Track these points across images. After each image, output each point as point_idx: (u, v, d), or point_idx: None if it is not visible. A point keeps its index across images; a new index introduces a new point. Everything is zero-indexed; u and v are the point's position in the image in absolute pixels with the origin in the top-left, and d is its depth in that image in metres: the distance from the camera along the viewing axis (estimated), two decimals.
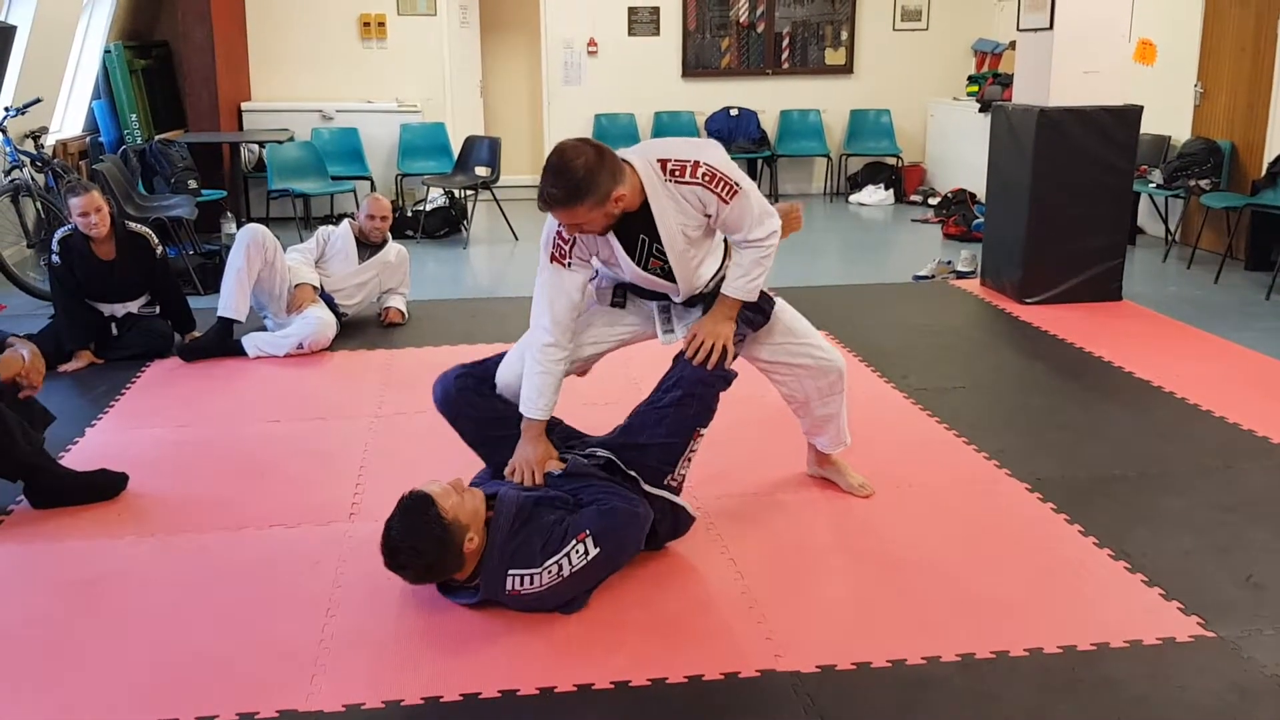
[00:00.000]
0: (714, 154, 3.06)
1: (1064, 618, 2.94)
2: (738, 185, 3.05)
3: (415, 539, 2.79)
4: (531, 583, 2.85)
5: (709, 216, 3.09)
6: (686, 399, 3.15)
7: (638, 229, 3.07)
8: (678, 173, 3.01)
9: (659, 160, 3.02)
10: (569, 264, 3.13)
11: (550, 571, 2.85)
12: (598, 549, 2.88)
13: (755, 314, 3.29)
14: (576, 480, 3.11)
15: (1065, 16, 6.08)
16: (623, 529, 2.96)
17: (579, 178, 2.85)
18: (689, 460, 3.23)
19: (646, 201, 3.02)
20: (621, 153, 3.02)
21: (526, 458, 3.20)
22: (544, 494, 3.02)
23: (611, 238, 3.09)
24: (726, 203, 3.05)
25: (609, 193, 2.90)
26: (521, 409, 3.22)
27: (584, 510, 2.96)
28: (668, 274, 3.17)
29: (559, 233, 3.10)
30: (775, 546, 3.38)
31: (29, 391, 3.64)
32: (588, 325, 3.35)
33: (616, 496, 3.00)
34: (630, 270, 3.16)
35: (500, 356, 3.43)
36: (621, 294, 3.37)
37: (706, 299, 3.28)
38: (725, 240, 3.33)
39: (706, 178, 3.01)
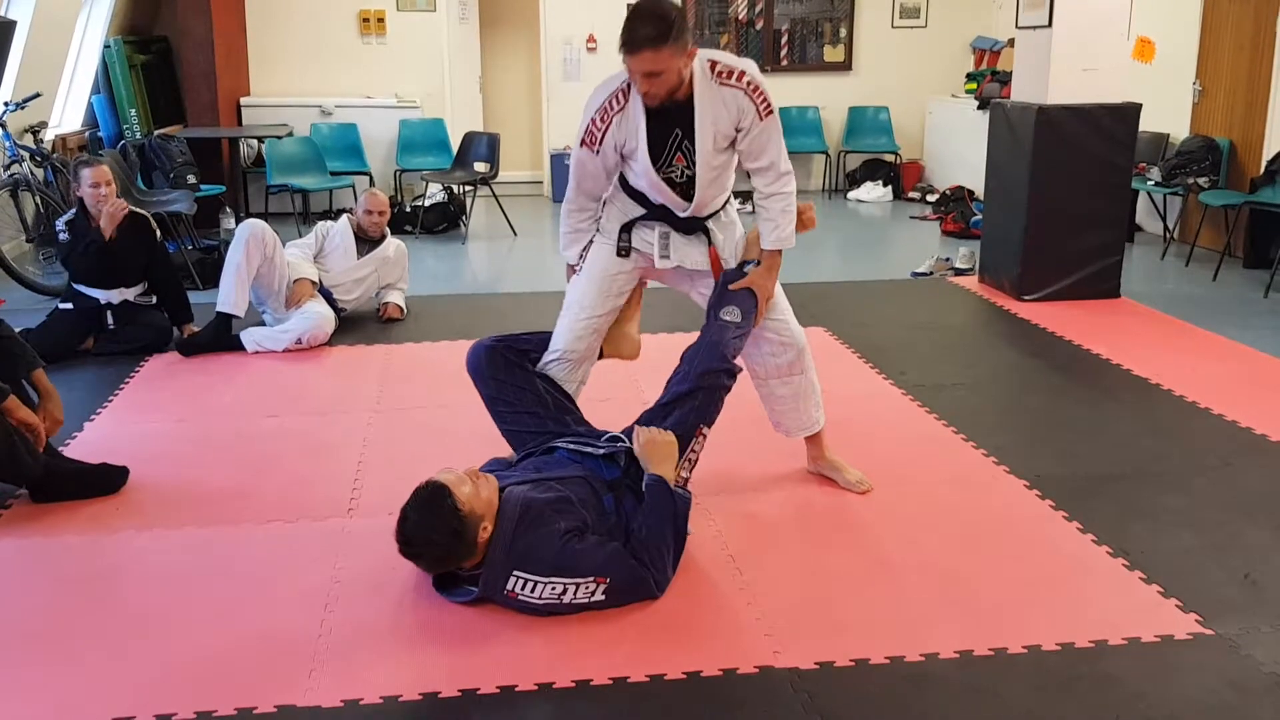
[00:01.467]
0: (756, 70, 3.24)
1: (1062, 615, 2.95)
2: (773, 106, 3.24)
3: (431, 530, 2.81)
4: (532, 590, 2.84)
5: (738, 131, 3.24)
6: (694, 392, 3.23)
7: (673, 122, 3.21)
8: (724, 75, 3.19)
9: (709, 60, 3.18)
10: (598, 150, 3.28)
11: (553, 588, 2.84)
12: (604, 598, 2.89)
13: (752, 304, 3.39)
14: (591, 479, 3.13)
15: (1064, 14, 6.09)
16: (636, 593, 2.95)
17: (671, 19, 3.02)
18: (691, 461, 3.25)
19: (690, 97, 3.17)
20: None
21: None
22: (554, 497, 3.00)
23: (641, 127, 3.21)
24: (761, 119, 3.23)
25: (688, 42, 3.06)
26: (562, 253, 3.60)
27: (612, 550, 2.93)
28: (683, 183, 3.29)
29: (593, 119, 3.25)
30: (774, 543, 3.39)
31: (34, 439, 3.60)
32: (587, 308, 3.50)
33: (647, 553, 2.99)
34: (645, 168, 3.25)
35: (536, 334, 3.56)
36: (626, 238, 3.47)
37: (704, 220, 3.45)
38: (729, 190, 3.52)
39: (751, 87, 3.21)
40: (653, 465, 3.10)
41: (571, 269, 3.59)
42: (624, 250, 3.49)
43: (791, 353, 3.60)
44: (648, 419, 3.28)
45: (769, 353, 3.61)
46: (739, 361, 3.37)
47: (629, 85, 3.21)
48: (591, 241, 3.54)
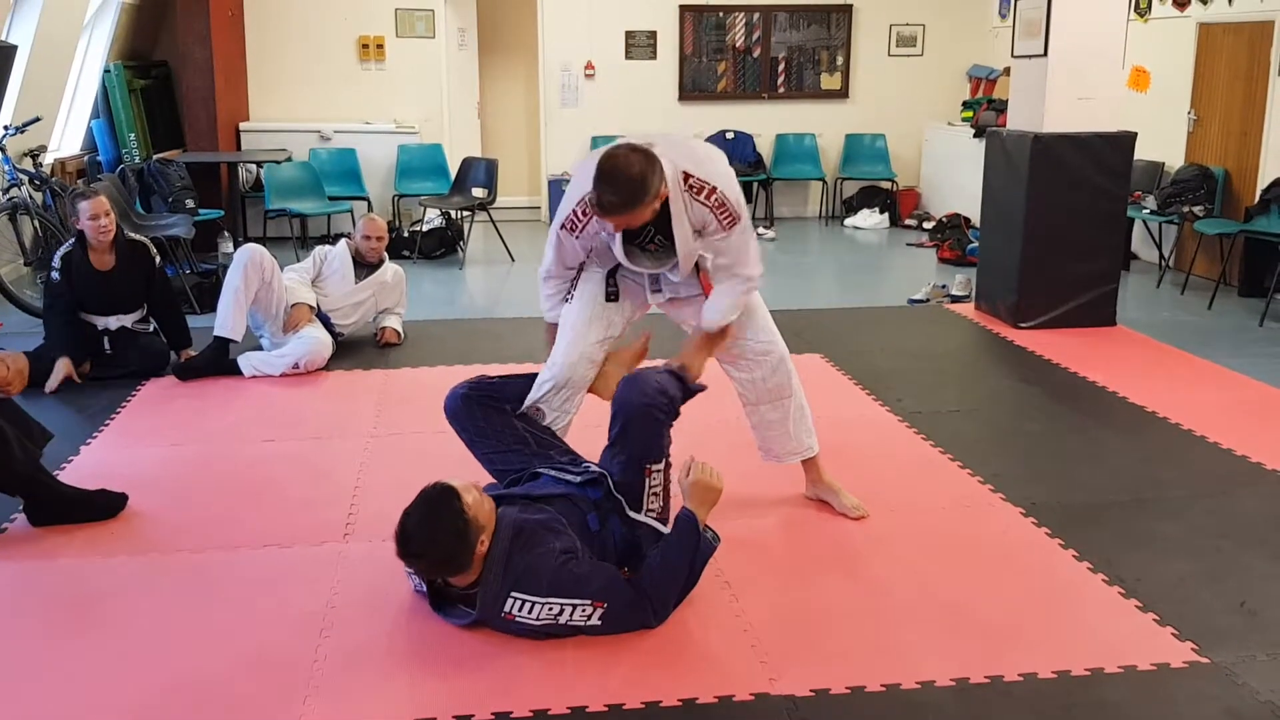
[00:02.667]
0: (730, 184, 3.28)
1: (1059, 643, 2.94)
2: (739, 218, 3.29)
3: (434, 529, 2.81)
4: (530, 611, 2.84)
5: (706, 230, 3.30)
6: (625, 429, 3.19)
7: (648, 225, 3.25)
8: (695, 190, 3.23)
9: (683, 172, 3.21)
10: (578, 235, 3.36)
11: (550, 610, 2.84)
12: (601, 622, 2.88)
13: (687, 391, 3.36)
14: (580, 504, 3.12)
15: (1059, 43, 6.13)
16: (632, 620, 2.94)
17: (635, 185, 3.06)
18: (657, 495, 3.22)
19: (665, 204, 3.21)
20: (653, 148, 3.15)
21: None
22: (546, 518, 3.00)
23: (618, 241, 3.29)
24: (724, 230, 3.29)
25: (657, 191, 3.11)
26: (545, 315, 3.65)
27: (611, 575, 2.93)
28: (659, 255, 3.35)
29: (575, 211, 3.30)
30: (770, 569, 3.38)
31: (6, 390, 3.63)
32: (583, 335, 3.49)
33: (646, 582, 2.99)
34: (620, 251, 3.32)
35: (510, 377, 3.55)
36: (614, 284, 3.51)
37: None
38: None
39: (717, 204, 3.26)
40: (691, 502, 3.07)
41: (551, 329, 3.62)
42: (612, 295, 3.51)
43: (781, 373, 3.64)
44: (601, 462, 3.26)
45: (761, 377, 3.63)
46: (666, 393, 3.23)
47: None
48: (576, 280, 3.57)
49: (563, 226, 3.36)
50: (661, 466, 3.23)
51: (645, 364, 3.54)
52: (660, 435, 3.22)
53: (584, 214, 3.28)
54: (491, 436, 3.39)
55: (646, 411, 3.17)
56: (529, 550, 2.88)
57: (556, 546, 2.90)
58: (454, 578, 2.93)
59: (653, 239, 3.32)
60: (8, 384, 3.63)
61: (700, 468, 3.10)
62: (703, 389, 3.40)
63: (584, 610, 2.85)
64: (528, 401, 3.47)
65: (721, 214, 3.25)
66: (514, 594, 2.84)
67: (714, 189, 3.22)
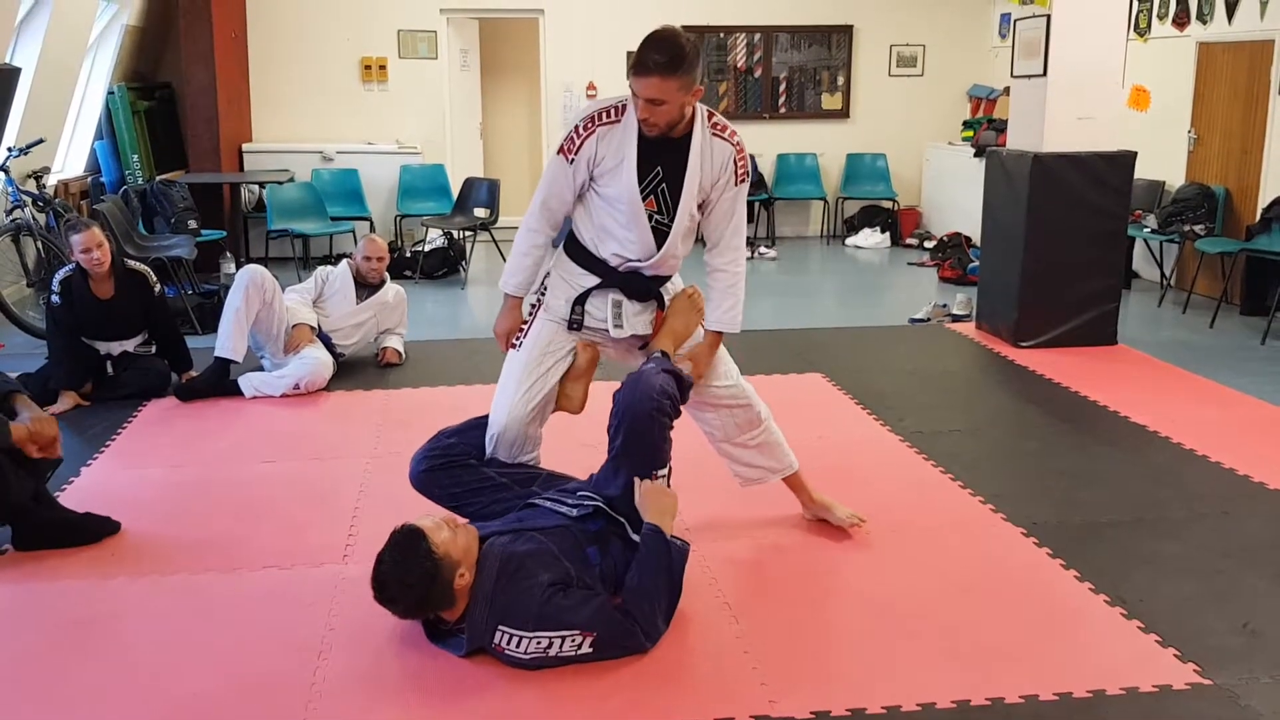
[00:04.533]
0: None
1: (1060, 664, 2.93)
2: (748, 175, 3.32)
3: (404, 572, 2.79)
4: (518, 645, 2.81)
5: (712, 188, 3.27)
6: (629, 436, 3.11)
7: (658, 160, 3.20)
8: (720, 127, 3.25)
9: (707, 111, 3.26)
10: (572, 159, 3.23)
11: (539, 643, 2.81)
12: (592, 650, 2.85)
13: (685, 379, 3.29)
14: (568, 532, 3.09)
15: (1059, 63, 6.15)
16: (623, 646, 2.92)
17: (685, 50, 3.06)
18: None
19: (685, 138, 3.20)
20: None
21: (497, 330, 3.46)
22: (535, 548, 2.96)
23: (632, 146, 3.18)
24: (736, 183, 3.29)
25: (696, 79, 3.11)
26: (501, 284, 3.43)
27: (599, 604, 2.89)
28: (659, 219, 3.25)
29: (576, 128, 3.23)
30: (770, 590, 3.37)
31: (48, 454, 3.59)
32: (520, 384, 3.38)
33: (635, 606, 2.96)
34: (629, 186, 3.19)
35: (465, 427, 3.45)
36: (579, 310, 3.37)
37: (659, 285, 3.40)
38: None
39: (739, 147, 3.26)
40: (651, 515, 3.06)
41: (510, 300, 3.43)
42: (575, 323, 3.37)
43: (747, 412, 3.58)
44: (602, 475, 3.23)
45: (727, 419, 3.57)
46: (668, 394, 3.14)
47: (625, 105, 3.20)
48: (531, 319, 3.44)
49: (559, 150, 3.25)
50: (665, 473, 3.19)
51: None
52: (664, 439, 3.16)
53: (586, 129, 3.19)
54: (469, 496, 3.33)
55: (651, 414, 3.09)
56: (515, 583, 2.85)
57: (544, 579, 2.86)
58: (438, 614, 2.92)
59: (656, 188, 3.21)
60: (37, 440, 3.57)
61: (645, 483, 3.08)
62: (692, 383, 3.32)
63: (574, 640, 2.83)
64: (487, 452, 3.40)
65: (740, 159, 3.26)
66: (501, 628, 2.82)
67: (735, 130, 3.28)
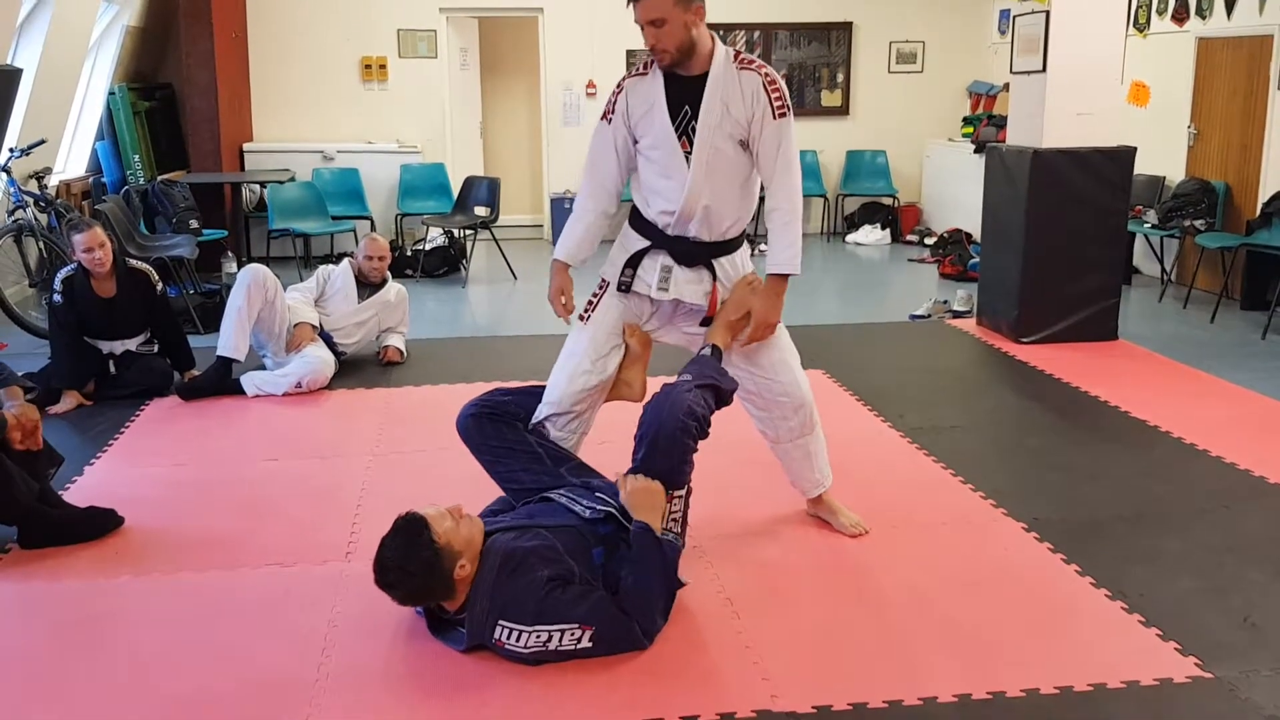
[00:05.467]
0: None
1: (1061, 658, 2.94)
2: (788, 107, 3.24)
3: (405, 560, 2.81)
4: (517, 640, 2.82)
5: (749, 124, 3.23)
6: (652, 452, 3.09)
7: (684, 98, 3.21)
8: (746, 61, 3.23)
9: (736, 51, 3.26)
10: (610, 119, 3.32)
11: (538, 637, 2.82)
12: (591, 644, 2.86)
13: (725, 390, 3.30)
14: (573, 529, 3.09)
15: (1058, 59, 6.15)
16: (622, 641, 2.93)
17: None
18: (677, 520, 3.17)
19: (706, 74, 3.19)
20: None
21: (550, 294, 3.44)
22: (539, 544, 2.98)
23: (660, 90, 3.22)
24: (775, 118, 3.24)
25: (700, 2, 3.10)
26: (555, 252, 3.45)
27: (597, 599, 2.90)
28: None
29: (614, 90, 3.32)
30: (771, 586, 3.38)
31: (29, 445, 3.62)
32: (587, 358, 3.41)
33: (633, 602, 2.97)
34: (663, 128, 3.22)
35: (520, 391, 3.50)
36: (630, 274, 3.39)
37: (710, 254, 3.37)
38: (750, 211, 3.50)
39: (768, 79, 3.22)
40: (638, 513, 3.04)
41: (556, 265, 3.43)
42: (624, 285, 3.41)
43: (803, 414, 3.57)
44: (617, 487, 3.21)
45: (780, 416, 3.56)
46: (696, 415, 3.11)
47: (653, 60, 3.24)
48: (601, 292, 3.46)
49: (602, 117, 3.35)
50: (683, 493, 3.18)
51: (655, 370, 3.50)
52: (686, 460, 3.13)
53: (618, 89, 3.29)
54: (505, 453, 3.35)
55: (674, 434, 3.06)
56: (515, 579, 2.86)
57: (544, 575, 2.86)
58: (438, 603, 2.93)
59: (687, 128, 3.21)
60: (19, 429, 3.59)
61: (627, 480, 3.08)
62: (729, 402, 3.32)
63: (573, 634, 2.83)
64: (534, 419, 3.45)
65: (774, 91, 3.21)
66: (501, 622, 2.83)
67: (764, 64, 3.24)
